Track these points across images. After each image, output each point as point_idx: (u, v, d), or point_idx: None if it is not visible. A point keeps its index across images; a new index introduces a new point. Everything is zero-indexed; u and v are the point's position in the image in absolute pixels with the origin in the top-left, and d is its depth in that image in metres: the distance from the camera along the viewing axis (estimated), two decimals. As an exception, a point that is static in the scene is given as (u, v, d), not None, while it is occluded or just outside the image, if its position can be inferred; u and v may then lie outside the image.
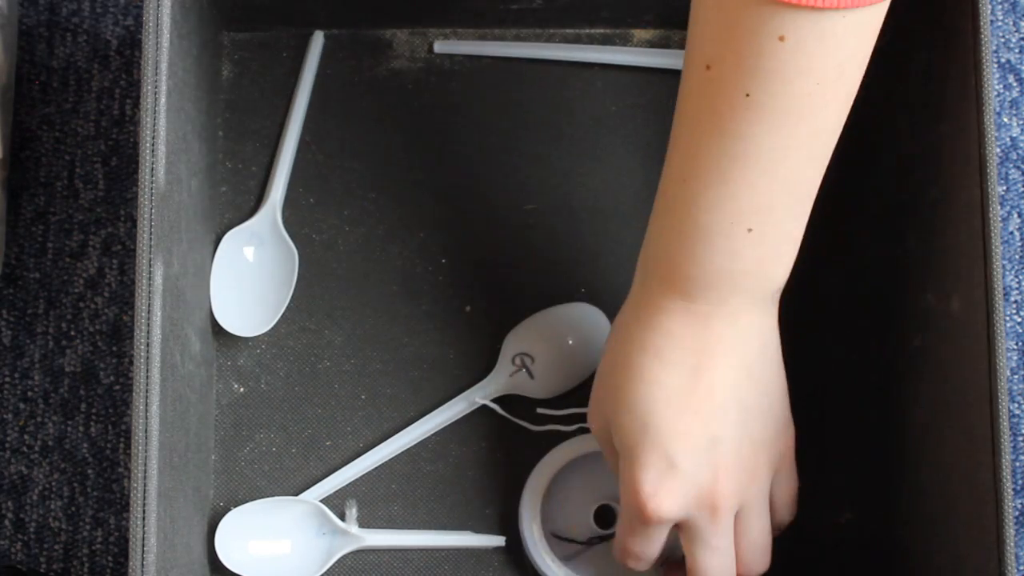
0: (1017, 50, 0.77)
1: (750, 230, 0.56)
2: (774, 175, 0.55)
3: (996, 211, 0.59)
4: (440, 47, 0.74)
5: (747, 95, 0.52)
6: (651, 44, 0.74)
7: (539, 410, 0.71)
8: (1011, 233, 0.75)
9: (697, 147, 0.55)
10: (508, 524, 0.70)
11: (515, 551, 0.70)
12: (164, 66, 0.59)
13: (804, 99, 0.53)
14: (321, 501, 0.70)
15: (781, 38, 0.51)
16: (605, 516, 0.69)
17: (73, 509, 0.72)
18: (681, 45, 0.74)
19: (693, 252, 0.57)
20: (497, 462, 0.71)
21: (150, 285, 0.58)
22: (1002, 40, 0.77)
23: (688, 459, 0.58)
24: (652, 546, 0.61)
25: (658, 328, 0.59)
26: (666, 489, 0.58)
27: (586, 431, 0.70)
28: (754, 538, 0.62)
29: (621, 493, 0.60)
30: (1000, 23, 0.77)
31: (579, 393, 0.71)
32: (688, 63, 0.55)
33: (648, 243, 0.60)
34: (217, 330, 0.71)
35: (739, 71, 0.52)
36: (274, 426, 0.71)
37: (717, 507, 0.59)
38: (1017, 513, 0.72)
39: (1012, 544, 0.57)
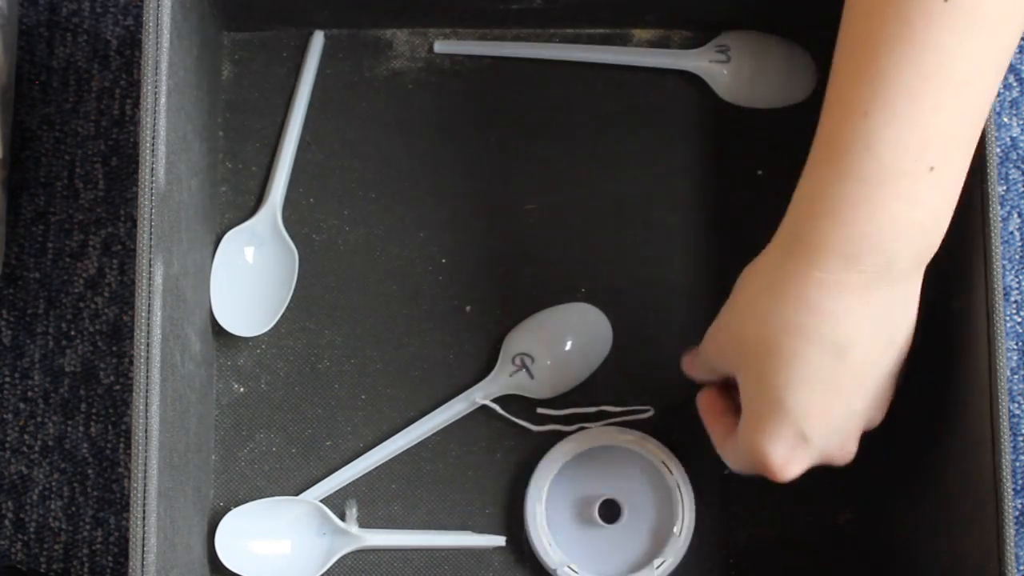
0: (1017, 50, 0.77)
1: (932, 168, 0.51)
2: (966, 97, 0.50)
3: (996, 211, 0.59)
4: (440, 47, 0.74)
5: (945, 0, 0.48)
6: (651, 44, 0.74)
7: (539, 410, 0.71)
8: (1011, 233, 0.75)
9: (883, 68, 0.50)
10: (508, 524, 0.70)
11: (515, 551, 0.70)
12: (164, 66, 0.59)
13: (1002, 5, 0.49)
14: (321, 501, 0.70)
15: None
16: (610, 510, 0.69)
17: (73, 509, 0.72)
18: (681, 45, 0.74)
19: (870, 201, 0.52)
20: (497, 462, 0.71)
21: (150, 285, 0.58)
22: (1002, 40, 0.77)
23: (823, 436, 0.57)
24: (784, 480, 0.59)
25: (804, 303, 0.55)
26: (797, 460, 0.57)
27: (586, 429, 0.70)
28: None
29: (743, 444, 0.58)
30: (1000, 23, 0.77)
31: (579, 393, 0.71)
32: None
33: (798, 207, 0.55)
34: (217, 330, 0.71)
35: None
36: (274, 426, 0.71)
37: (836, 462, 0.59)
38: (1017, 513, 0.72)
39: (1012, 544, 0.57)
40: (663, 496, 0.69)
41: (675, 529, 0.68)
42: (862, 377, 0.56)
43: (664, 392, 0.71)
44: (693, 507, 0.69)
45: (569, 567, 0.68)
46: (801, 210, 0.55)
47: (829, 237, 0.54)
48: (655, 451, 0.69)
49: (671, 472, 0.69)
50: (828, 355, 0.55)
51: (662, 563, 0.68)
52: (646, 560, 0.69)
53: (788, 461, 0.57)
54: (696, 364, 0.65)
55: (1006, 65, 0.52)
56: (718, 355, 0.61)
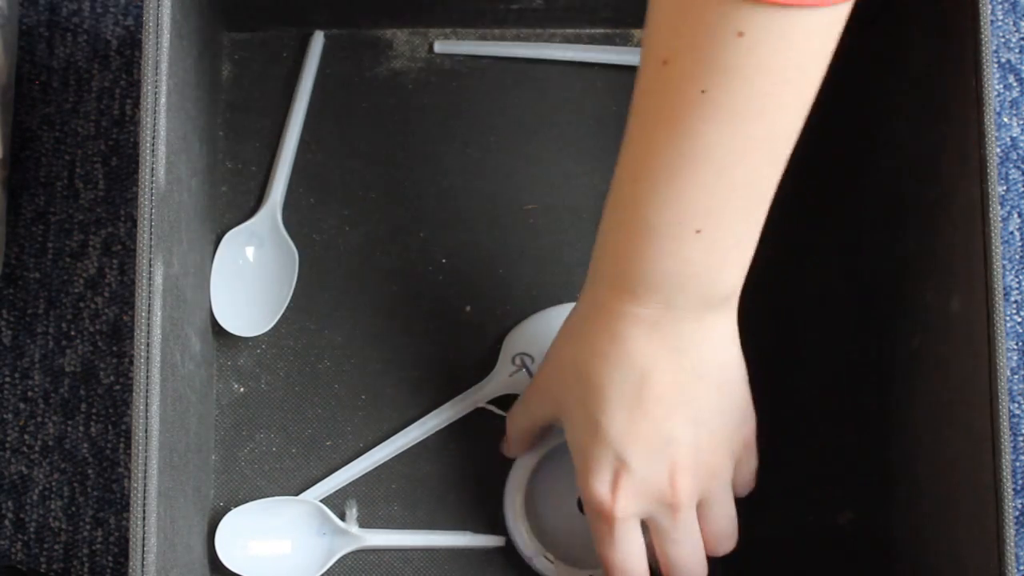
0: (1017, 50, 0.77)
1: (699, 231, 0.55)
2: (726, 176, 0.54)
3: (996, 211, 0.59)
4: (440, 47, 0.74)
5: (703, 91, 0.51)
6: (651, 44, 0.74)
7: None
8: (1011, 233, 0.75)
9: (649, 144, 0.54)
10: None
11: (515, 551, 0.70)
12: (164, 66, 0.59)
13: (762, 98, 0.52)
14: (321, 501, 0.70)
15: (740, 34, 0.50)
16: None
17: (73, 509, 0.72)
18: (681, 45, 0.74)
19: (641, 253, 0.56)
20: (497, 462, 0.71)
21: (150, 285, 0.58)
22: (1002, 40, 0.77)
23: (641, 460, 0.59)
24: (628, 548, 0.61)
25: (606, 332, 0.58)
26: (621, 489, 0.59)
27: None
28: (719, 524, 0.63)
29: (583, 500, 0.61)
30: (1000, 23, 0.77)
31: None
32: (644, 58, 0.54)
33: (598, 243, 0.59)
34: (217, 330, 0.71)
35: (696, 66, 0.51)
36: (274, 426, 0.71)
37: (676, 504, 0.59)
38: (1017, 513, 0.72)
39: (1012, 544, 0.57)
40: None
41: None
42: (671, 404, 0.58)
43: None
44: None
45: (545, 556, 0.68)
46: (597, 250, 0.60)
47: (617, 278, 0.58)
48: None
49: None
50: (631, 381, 0.58)
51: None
52: None
53: (612, 490, 0.59)
54: (516, 425, 0.68)
55: (784, 147, 0.54)
56: (542, 397, 0.64)
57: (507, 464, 0.71)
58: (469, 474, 0.71)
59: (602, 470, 0.59)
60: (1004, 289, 0.69)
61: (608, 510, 0.59)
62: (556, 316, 0.72)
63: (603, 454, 0.59)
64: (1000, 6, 0.77)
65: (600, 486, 0.59)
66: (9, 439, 0.72)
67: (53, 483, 0.72)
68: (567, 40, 0.74)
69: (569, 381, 0.60)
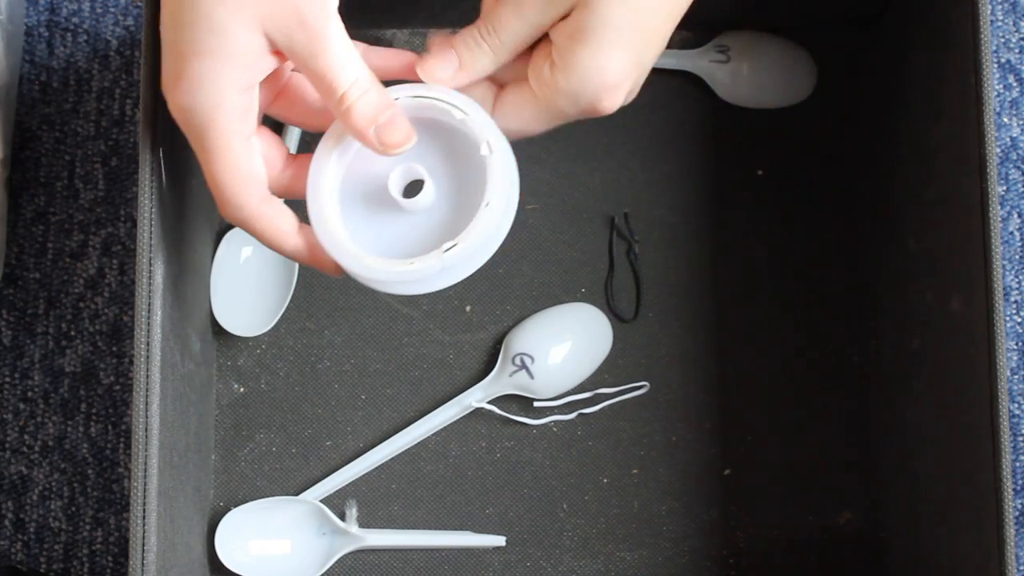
0: (1017, 50, 0.77)
1: None
2: None
3: (996, 211, 0.59)
4: (440, 47, 0.74)
5: None
6: (651, 44, 0.74)
7: (536, 403, 0.70)
8: (1011, 233, 0.75)
9: None
10: (508, 524, 0.70)
11: (515, 551, 0.70)
12: (164, 66, 0.59)
13: None
14: (321, 501, 0.70)
15: None
16: (415, 191, 0.57)
17: (73, 509, 0.72)
18: (681, 45, 0.74)
19: None
20: (497, 462, 0.71)
21: (150, 285, 0.58)
22: (1002, 40, 0.77)
23: (658, 45, 0.56)
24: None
25: None
26: (631, 80, 0.55)
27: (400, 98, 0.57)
28: None
29: (576, 71, 0.55)
30: (1000, 23, 0.77)
31: (579, 393, 0.71)
32: None
33: None
34: (217, 330, 0.71)
35: None
36: (274, 426, 0.71)
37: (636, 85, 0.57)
38: (1017, 513, 0.72)
39: (1012, 544, 0.57)
40: (479, 181, 0.56)
41: (482, 206, 0.55)
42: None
43: (665, 391, 0.71)
44: (512, 190, 0.56)
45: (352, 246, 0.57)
46: None
47: None
48: (480, 129, 0.56)
49: (492, 151, 0.56)
50: None
51: (452, 246, 0.55)
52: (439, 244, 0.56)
53: (625, 79, 0.55)
54: (507, 30, 0.56)
55: None
56: None
57: (507, 464, 0.71)
58: (469, 474, 0.71)
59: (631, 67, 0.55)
60: (1004, 289, 0.69)
61: (619, 97, 0.55)
62: (556, 316, 0.72)
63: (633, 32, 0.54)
64: (1000, 6, 0.77)
65: (618, 67, 0.54)
66: (9, 439, 0.72)
67: (53, 483, 0.72)
68: (567, 40, 0.74)
69: None
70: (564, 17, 0.55)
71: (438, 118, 0.57)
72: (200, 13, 0.52)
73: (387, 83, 0.56)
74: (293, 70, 0.58)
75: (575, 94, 0.56)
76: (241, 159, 0.55)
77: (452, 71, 0.57)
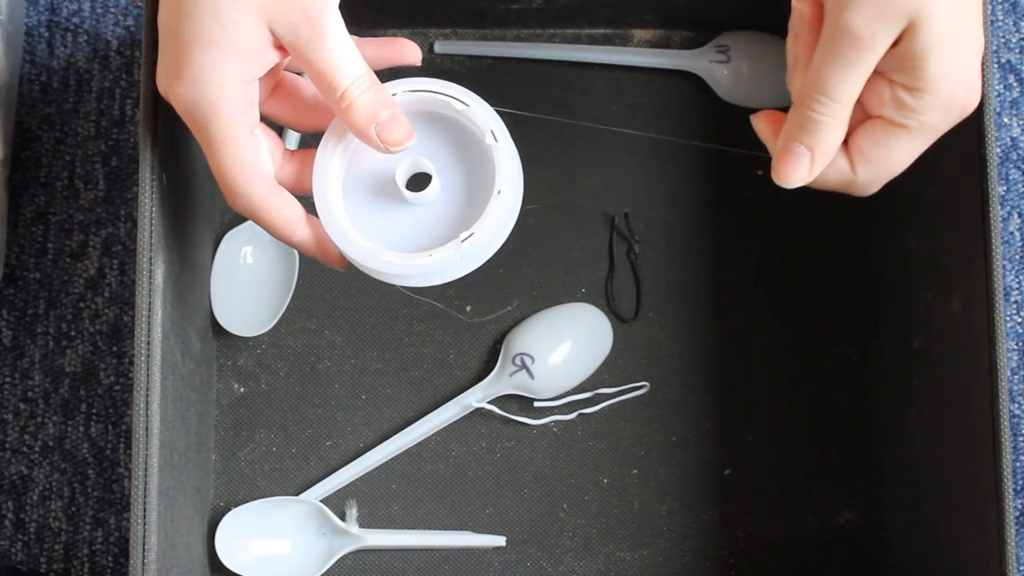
0: (1017, 50, 0.77)
1: None
2: None
3: (996, 211, 0.59)
4: (440, 47, 0.74)
5: None
6: (651, 44, 0.74)
7: (536, 403, 0.71)
8: (1011, 233, 0.75)
9: None
10: (508, 524, 0.70)
11: (515, 551, 0.70)
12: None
13: None
14: (321, 501, 0.70)
15: None
16: (422, 185, 0.57)
17: (73, 509, 0.72)
18: (681, 45, 0.74)
19: None
20: (497, 462, 0.71)
21: (150, 285, 0.58)
22: (1002, 40, 0.77)
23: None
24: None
25: None
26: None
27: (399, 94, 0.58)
28: None
29: (948, 89, 0.53)
30: (1000, 23, 0.77)
31: (579, 393, 0.71)
32: None
33: None
34: (217, 330, 0.71)
35: None
36: (274, 426, 0.71)
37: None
38: (1017, 513, 0.72)
39: (1012, 544, 0.57)
40: (486, 169, 0.57)
41: (492, 195, 0.56)
42: None
43: (665, 391, 0.71)
44: (520, 177, 0.56)
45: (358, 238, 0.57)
46: None
47: None
48: (482, 119, 0.56)
49: (497, 139, 0.56)
50: None
51: (469, 235, 0.56)
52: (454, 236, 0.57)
53: (979, 64, 0.53)
54: (843, 84, 0.53)
55: None
56: (883, 7, 0.51)
57: (507, 464, 0.71)
58: (469, 474, 0.71)
59: (976, 55, 0.53)
60: (1004, 289, 0.69)
61: (974, 94, 0.53)
62: (556, 316, 0.72)
63: (978, 40, 0.53)
64: (1000, 6, 0.77)
65: (976, 77, 0.53)
66: (9, 439, 0.72)
67: (53, 483, 0.72)
68: (567, 40, 0.74)
69: None
70: (895, 44, 0.52)
71: (438, 110, 0.57)
72: (205, 3, 0.52)
73: (381, 76, 0.56)
74: (286, 69, 0.58)
75: (947, 106, 0.53)
76: (247, 150, 0.55)
77: (807, 165, 0.54)
